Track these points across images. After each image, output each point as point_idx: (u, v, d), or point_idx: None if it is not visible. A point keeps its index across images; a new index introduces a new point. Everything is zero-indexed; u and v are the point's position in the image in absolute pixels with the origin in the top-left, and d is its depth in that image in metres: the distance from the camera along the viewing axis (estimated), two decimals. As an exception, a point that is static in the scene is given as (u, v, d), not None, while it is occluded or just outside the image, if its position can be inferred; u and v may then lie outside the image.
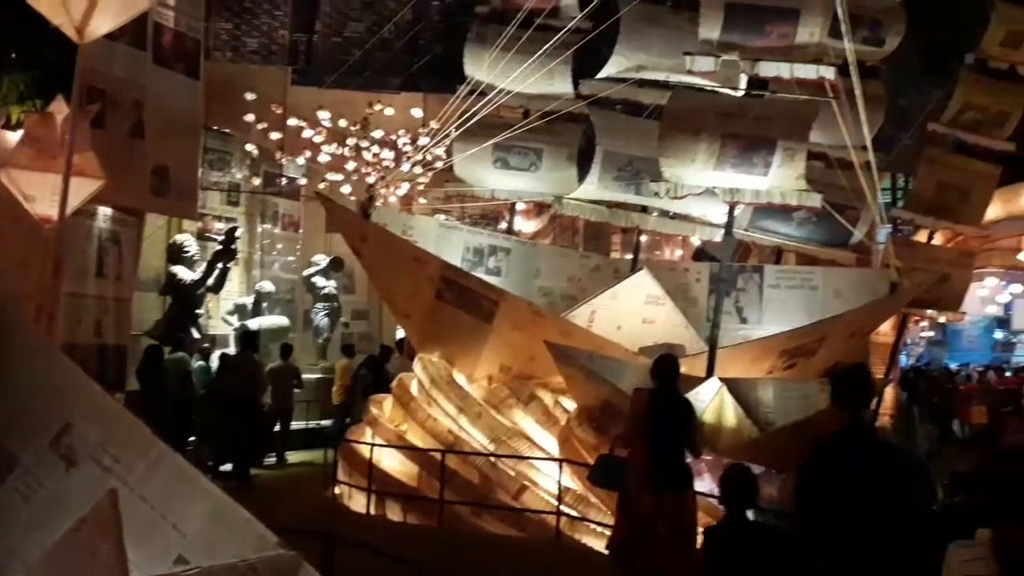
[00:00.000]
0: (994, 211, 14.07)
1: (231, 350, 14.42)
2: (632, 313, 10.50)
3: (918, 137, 13.89)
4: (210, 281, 13.74)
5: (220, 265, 13.76)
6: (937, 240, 13.56)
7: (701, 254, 14.46)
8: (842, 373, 4.31)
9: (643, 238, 13.30)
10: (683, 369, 9.30)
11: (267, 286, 15.93)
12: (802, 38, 8.73)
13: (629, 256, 13.13)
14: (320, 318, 16.43)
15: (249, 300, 15.79)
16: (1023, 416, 14.78)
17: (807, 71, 8.60)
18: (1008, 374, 21.48)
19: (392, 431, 9.71)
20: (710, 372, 9.18)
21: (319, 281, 16.31)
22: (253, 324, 15.41)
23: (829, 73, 8.64)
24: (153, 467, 2.15)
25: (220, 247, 13.88)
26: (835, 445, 4.03)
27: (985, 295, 21.60)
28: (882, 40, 11.88)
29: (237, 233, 14.33)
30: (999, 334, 28.40)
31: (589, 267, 12.07)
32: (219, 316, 15.54)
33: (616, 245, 18.29)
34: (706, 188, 9.21)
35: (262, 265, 16.37)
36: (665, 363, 6.57)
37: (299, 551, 2.09)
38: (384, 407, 10.14)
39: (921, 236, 13.58)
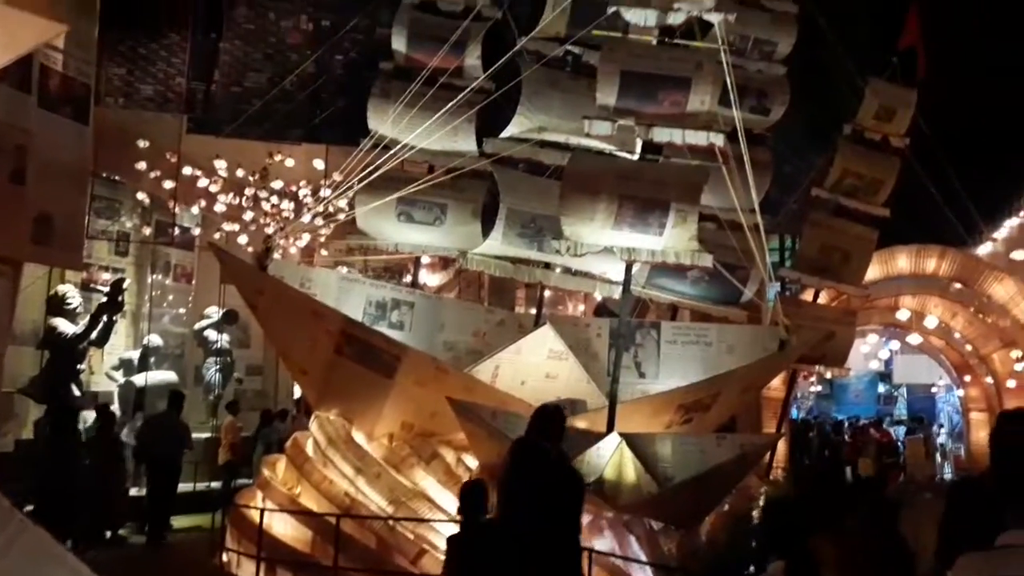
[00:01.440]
0: (873, 272, 14.95)
1: (116, 407, 13.70)
2: (535, 368, 10.53)
3: (803, 201, 14.72)
4: (93, 335, 13.02)
5: (105, 318, 13.07)
6: (822, 299, 14.27)
7: (602, 309, 14.73)
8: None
9: (547, 293, 13.45)
10: (584, 424, 9.45)
11: (155, 340, 15.21)
12: (693, 106, 9.14)
13: (534, 311, 13.24)
14: (211, 374, 15.77)
15: (135, 355, 15.02)
16: (903, 468, 15.57)
17: (698, 137, 9.00)
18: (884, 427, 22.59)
19: (285, 494, 9.28)
20: (610, 427, 9.24)
21: (211, 335, 15.70)
22: (139, 380, 14.66)
23: (719, 140, 9.07)
24: (10, 542, 1.95)
25: (106, 299, 13.20)
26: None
27: (868, 351, 22.82)
28: (768, 110, 12.65)
29: (124, 284, 13.67)
30: (882, 388, 29.97)
31: (494, 321, 12.06)
32: (102, 372, 14.71)
33: (520, 299, 18.42)
34: (605, 247, 9.40)
35: (151, 318, 15.63)
36: (543, 410, 6.46)
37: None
38: (277, 468, 9.71)
39: (807, 295, 14.26)
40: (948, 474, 21.11)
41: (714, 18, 9.24)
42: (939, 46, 15.39)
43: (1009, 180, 18.77)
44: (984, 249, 18.54)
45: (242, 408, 14.75)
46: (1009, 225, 18.70)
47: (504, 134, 11.87)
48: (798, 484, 12.50)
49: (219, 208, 14.75)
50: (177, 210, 15.33)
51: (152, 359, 15.04)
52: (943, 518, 3.39)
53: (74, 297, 13.16)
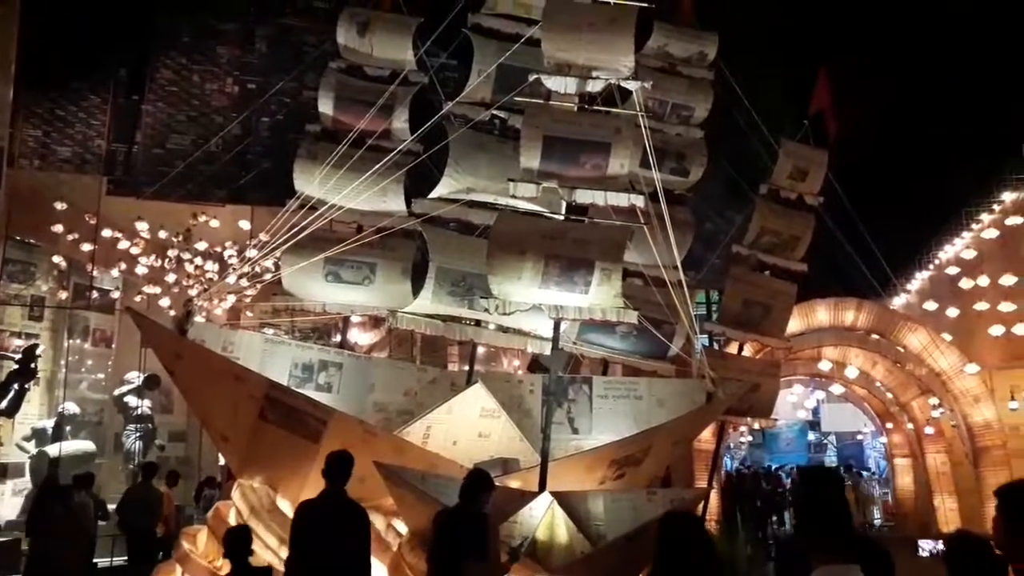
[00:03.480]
0: (795, 324, 15.42)
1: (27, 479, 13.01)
2: (468, 427, 10.43)
3: (725, 257, 15.16)
4: (3, 404, 12.39)
5: (16, 386, 12.47)
6: (747, 351, 14.61)
7: (536, 365, 14.75)
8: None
9: (481, 350, 13.43)
10: (517, 484, 9.36)
11: (71, 408, 14.56)
12: (614, 169, 9.44)
13: (467, 367, 13.19)
14: (131, 441, 15.14)
15: (50, 423, 14.32)
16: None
17: (620, 199, 9.27)
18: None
19: (206, 568, 8.88)
20: (542, 486, 9.18)
21: (132, 400, 15.12)
22: (53, 450, 13.96)
23: (639, 201, 9.35)
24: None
25: (17, 367, 12.62)
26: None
27: (795, 400, 23.41)
28: (687, 171, 13.12)
29: (38, 351, 13.11)
30: (812, 436, 30.69)
31: (426, 380, 11.93)
32: (12, 442, 13.95)
33: (454, 356, 18.32)
34: (533, 304, 9.49)
35: (67, 385, 14.97)
36: (468, 480, 6.43)
37: None
38: (197, 540, 9.30)
39: (732, 348, 14.58)
40: (877, 519, 21.59)
41: (632, 85, 9.61)
42: (848, 109, 16.26)
43: (919, 235, 19.77)
44: (899, 301, 19.38)
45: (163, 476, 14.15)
46: (921, 278, 19.63)
47: (433, 194, 11.97)
48: (730, 539, 12.58)
49: (141, 270, 14.36)
50: (96, 273, 14.88)
51: (68, 427, 14.36)
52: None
53: (-19, 366, 12.57)
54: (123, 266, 14.50)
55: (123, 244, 14.32)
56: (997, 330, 14.50)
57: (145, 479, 12.04)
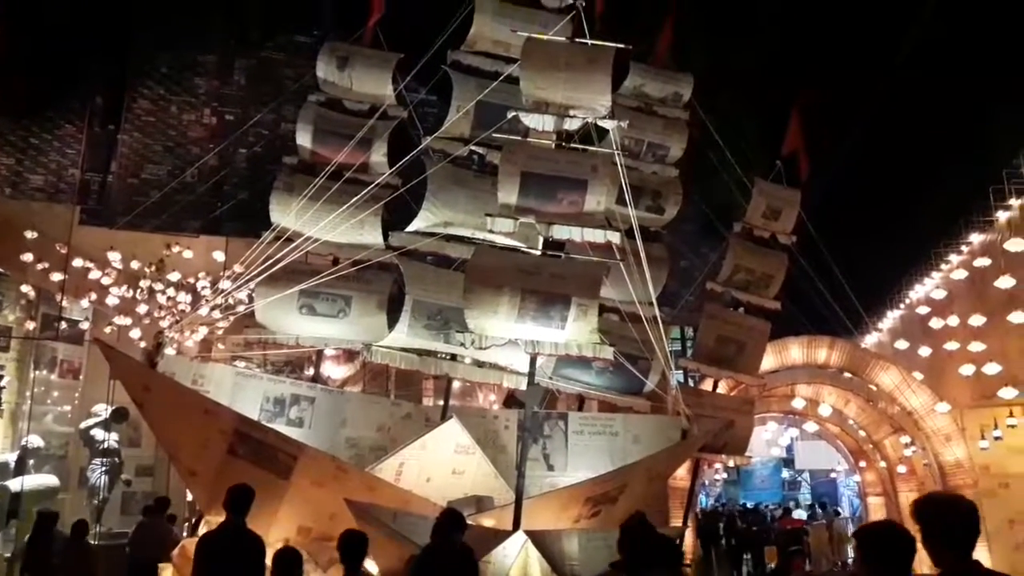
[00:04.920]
0: (768, 362, 15.49)
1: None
2: (441, 464, 10.32)
3: (699, 294, 15.28)
4: (-38, 437, 12.03)
5: (-23, 419, 12.13)
6: (721, 388, 14.64)
7: (512, 400, 14.67)
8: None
9: (456, 384, 13.34)
10: (491, 522, 9.25)
11: (35, 441, 14.16)
12: (590, 206, 9.54)
13: (442, 402, 13.07)
14: (97, 476, 14.71)
15: (12, 457, 13.91)
16: (806, 555, 15.75)
17: (596, 235, 9.35)
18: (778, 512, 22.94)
19: (170, 607, 8.64)
20: (516, 524, 9.07)
21: (98, 434, 14.74)
22: (15, 485, 13.54)
23: (615, 238, 9.43)
24: None
25: (-21, 398, 12.28)
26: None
27: (769, 438, 23.43)
28: (663, 209, 13.29)
29: (2, 383, 12.78)
30: (786, 473, 30.68)
31: (400, 415, 11.82)
32: (-28, 477, 13.53)
33: (429, 390, 18.14)
34: (509, 339, 9.47)
35: (31, 417, 14.59)
36: (440, 519, 6.34)
37: None
38: (163, 580, 9.06)
39: (707, 384, 14.61)
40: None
41: (609, 124, 9.75)
42: (820, 151, 16.58)
43: (890, 274, 20.06)
44: (871, 339, 19.57)
45: (132, 511, 13.78)
46: (892, 317, 19.86)
47: (410, 228, 11.98)
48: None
49: (111, 301, 14.14)
50: (65, 303, 14.61)
51: (31, 461, 13.96)
52: None
53: (-57, 397, 12.22)
54: (93, 296, 14.26)
55: (94, 274, 14.10)
56: (967, 369, 14.66)
57: (157, 513, 11.63)
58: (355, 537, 5.81)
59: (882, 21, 21.89)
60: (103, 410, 14.84)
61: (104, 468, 14.80)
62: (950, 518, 3.30)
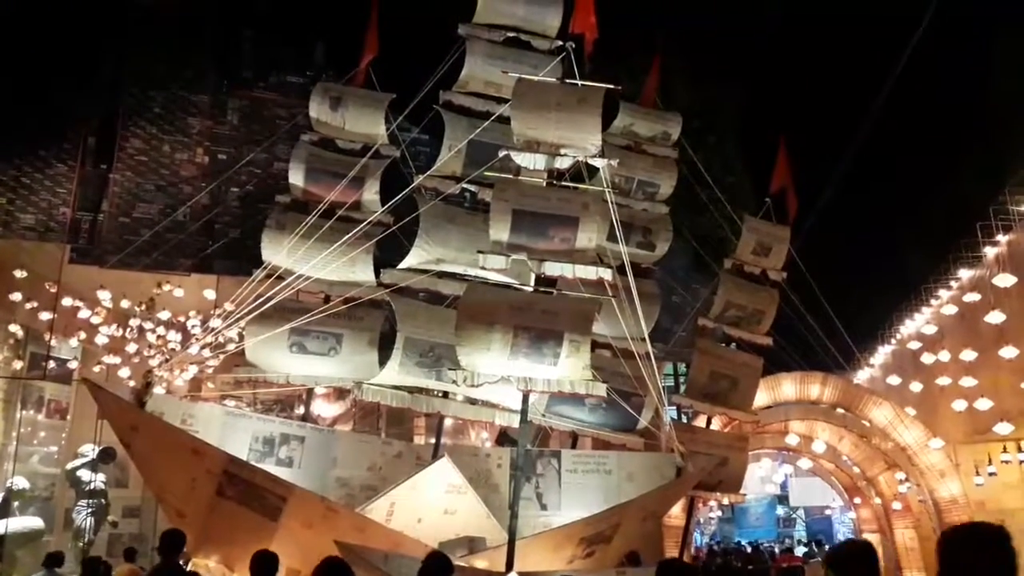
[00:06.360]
0: (762, 398, 15.45)
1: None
2: (433, 504, 10.19)
3: (691, 330, 15.28)
4: (-54, 479, 11.83)
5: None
6: (715, 425, 14.58)
7: (504, 438, 14.57)
8: None
9: (448, 422, 13.23)
10: (483, 564, 9.11)
11: (20, 483, 13.93)
12: (582, 243, 9.59)
13: (433, 440, 12.96)
14: (83, 517, 14.44)
15: (-4, 499, 13.68)
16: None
17: (587, 272, 9.39)
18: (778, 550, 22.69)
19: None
20: (510, 566, 8.94)
21: (85, 475, 14.51)
22: (-2, 527, 13.29)
23: (606, 274, 9.47)
24: None
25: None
26: None
27: (763, 475, 23.29)
28: (654, 245, 13.37)
29: (-13, 423, 12.62)
30: (781, 510, 30.41)
31: (391, 454, 11.70)
32: (-45, 519, 13.28)
33: (420, 428, 17.98)
34: (502, 376, 9.43)
35: (17, 458, 14.38)
36: (426, 563, 6.16)
37: None
38: (147, 625, 8.84)
39: (700, 421, 14.55)
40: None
41: (599, 163, 9.85)
42: (809, 189, 16.77)
43: (881, 310, 20.16)
44: (863, 375, 19.57)
45: (118, 553, 13.49)
46: (884, 352, 19.90)
47: (403, 265, 12.00)
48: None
49: (101, 340, 14.03)
50: (54, 342, 14.50)
51: (15, 503, 13.71)
52: None
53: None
54: (82, 335, 14.16)
55: (84, 313, 14.01)
56: (960, 404, 14.66)
57: (171, 553, 11.29)
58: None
59: (866, 60, 22.32)
60: (90, 450, 14.63)
61: (90, 510, 14.54)
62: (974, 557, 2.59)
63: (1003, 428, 13.07)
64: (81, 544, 14.45)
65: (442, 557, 6.10)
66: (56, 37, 17.60)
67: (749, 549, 24.37)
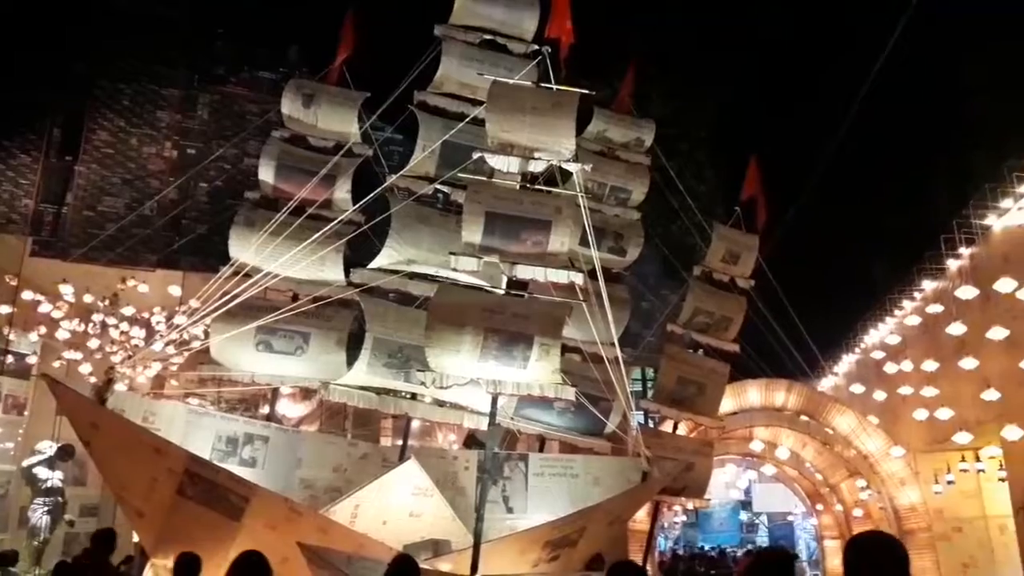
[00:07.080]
0: (727, 404, 15.59)
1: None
2: (398, 506, 10.11)
3: (660, 335, 15.38)
4: None
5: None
6: (681, 430, 14.67)
7: (472, 441, 14.52)
8: None
9: (415, 424, 13.15)
10: (448, 567, 9.06)
11: (-27, 480, 13.61)
12: (554, 246, 9.60)
13: (400, 442, 12.88)
14: (38, 516, 14.13)
15: (-53, 497, 13.35)
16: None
17: (559, 276, 9.39)
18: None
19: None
20: (474, 569, 8.90)
21: (42, 472, 14.20)
22: (-52, 526, 12.95)
23: (578, 278, 9.49)
24: None
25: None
26: None
27: (728, 480, 23.52)
28: (625, 251, 13.44)
29: (-60, 418, 12.29)
30: (744, 516, 30.73)
31: (356, 455, 11.58)
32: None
33: (387, 429, 17.87)
34: (471, 379, 9.40)
35: (-31, 454, 14.07)
36: (392, 566, 6.09)
37: None
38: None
39: (667, 426, 14.64)
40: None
41: (572, 167, 9.87)
42: (778, 198, 16.96)
43: (846, 319, 20.46)
44: (827, 383, 19.84)
45: (74, 553, 13.21)
46: (848, 361, 20.19)
47: (373, 265, 11.91)
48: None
49: (62, 335, 13.74)
50: (13, 336, 14.17)
51: (-32, 502, 13.39)
52: None
53: None
54: (43, 330, 13.85)
55: (45, 307, 13.71)
56: (921, 414, 14.91)
57: (104, 553, 11.12)
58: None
59: (837, 75, 22.67)
60: (48, 447, 14.32)
61: (46, 508, 14.23)
62: (881, 561, 2.95)
63: (962, 437, 13.31)
64: (36, 543, 14.14)
65: (408, 560, 6.04)
66: (25, 26, 17.25)
67: (715, 554, 24.57)
